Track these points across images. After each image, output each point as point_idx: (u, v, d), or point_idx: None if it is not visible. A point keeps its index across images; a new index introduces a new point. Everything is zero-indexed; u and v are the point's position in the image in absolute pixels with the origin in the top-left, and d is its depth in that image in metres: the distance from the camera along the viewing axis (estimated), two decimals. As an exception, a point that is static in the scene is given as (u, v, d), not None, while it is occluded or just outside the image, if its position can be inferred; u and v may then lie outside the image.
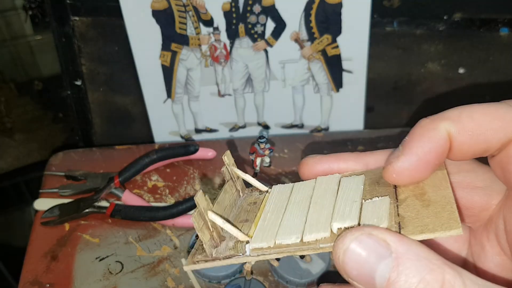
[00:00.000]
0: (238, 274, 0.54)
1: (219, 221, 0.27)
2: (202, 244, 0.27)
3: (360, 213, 0.25)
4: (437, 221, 0.23)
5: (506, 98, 0.25)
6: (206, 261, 0.26)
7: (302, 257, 0.54)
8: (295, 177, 0.64)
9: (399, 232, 0.23)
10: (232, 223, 0.27)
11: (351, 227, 0.24)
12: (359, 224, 0.24)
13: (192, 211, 0.27)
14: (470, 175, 0.28)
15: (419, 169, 0.25)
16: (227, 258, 0.26)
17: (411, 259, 0.21)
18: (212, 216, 0.26)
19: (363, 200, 0.26)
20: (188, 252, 0.56)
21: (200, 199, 0.26)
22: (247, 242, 0.26)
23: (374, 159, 0.29)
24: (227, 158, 0.31)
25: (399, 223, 0.24)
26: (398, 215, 0.25)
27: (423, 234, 0.23)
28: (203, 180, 0.65)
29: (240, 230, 0.27)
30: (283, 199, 0.29)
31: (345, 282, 0.27)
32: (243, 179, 0.32)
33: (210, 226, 0.26)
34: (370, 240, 0.22)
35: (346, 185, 0.28)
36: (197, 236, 0.55)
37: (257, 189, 0.32)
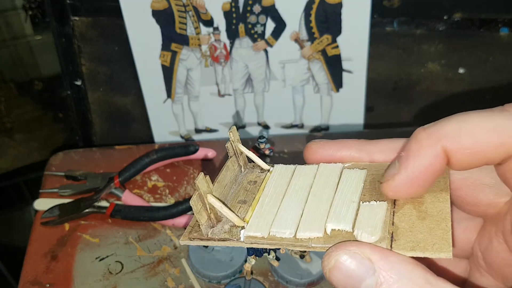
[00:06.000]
0: (238, 274, 0.54)
1: (218, 205, 0.27)
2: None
3: (356, 216, 0.26)
4: (429, 239, 0.24)
5: (506, 98, 0.25)
6: (201, 239, 0.27)
7: (302, 257, 0.53)
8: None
9: (391, 245, 0.24)
10: (229, 207, 0.28)
11: (344, 231, 0.25)
12: (352, 230, 0.25)
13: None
14: (477, 172, 0.27)
15: (415, 186, 0.25)
16: (222, 240, 0.27)
17: (393, 278, 0.22)
18: (211, 199, 0.27)
19: (361, 202, 0.27)
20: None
21: (201, 182, 0.27)
22: (243, 227, 0.27)
23: (378, 148, 0.29)
24: (233, 134, 0.31)
25: (392, 233, 0.24)
26: (393, 223, 0.25)
27: (413, 251, 0.23)
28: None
29: (236, 214, 0.27)
30: (283, 183, 0.29)
31: None
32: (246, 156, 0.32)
33: (208, 208, 0.27)
34: (354, 260, 0.23)
35: (347, 180, 0.28)
36: None
37: (259, 166, 0.32)
